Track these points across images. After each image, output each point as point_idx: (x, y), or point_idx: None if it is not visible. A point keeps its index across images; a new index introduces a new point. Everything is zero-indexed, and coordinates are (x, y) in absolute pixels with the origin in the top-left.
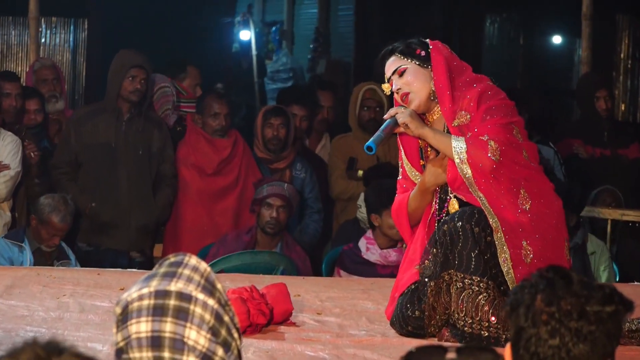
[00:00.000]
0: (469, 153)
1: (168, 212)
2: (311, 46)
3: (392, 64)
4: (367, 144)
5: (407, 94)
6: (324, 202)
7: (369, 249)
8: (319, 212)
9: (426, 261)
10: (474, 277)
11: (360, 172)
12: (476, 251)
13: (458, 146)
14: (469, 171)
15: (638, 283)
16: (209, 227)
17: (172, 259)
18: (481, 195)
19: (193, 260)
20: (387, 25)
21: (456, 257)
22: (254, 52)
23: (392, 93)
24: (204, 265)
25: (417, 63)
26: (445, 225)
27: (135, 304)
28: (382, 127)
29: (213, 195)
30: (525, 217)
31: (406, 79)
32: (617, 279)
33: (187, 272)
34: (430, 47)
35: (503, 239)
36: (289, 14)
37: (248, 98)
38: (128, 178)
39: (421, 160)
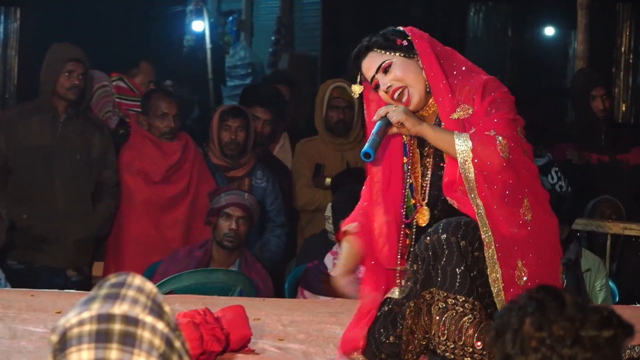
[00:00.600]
0: (474, 151)
1: (109, 225)
2: (272, 38)
3: (373, 60)
4: (363, 150)
5: (400, 90)
6: (287, 214)
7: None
8: (282, 225)
9: (403, 281)
10: (458, 297)
11: (328, 180)
12: (462, 267)
13: (462, 144)
14: (473, 173)
15: None
16: (157, 241)
17: (113, 279)
18: (479, 202)
19: (137, 280)
20: (358, 15)
21: (439, 274)
22: (208, 45)
23: (360, 96)
24: (149, 286)
25: (401, 55)
26: (428, 238)
27: (75, 330)
28: (374, 130)
29: (161, 205)
30: (524, 230)
31: (394, 74)
32: (617, 300)
33: (131, 293)
34: (409, 34)
35: (495, 257)
36: (248, 2)
37: (201, 97)
38: (65, 186)
39: (404, 158)
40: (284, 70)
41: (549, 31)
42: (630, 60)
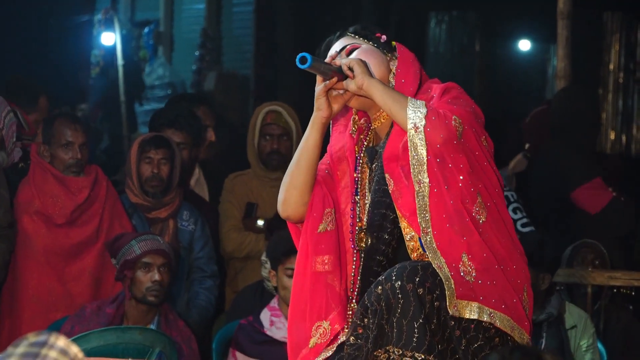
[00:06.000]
0: (428, 119)
1: (2, 275)
2: (196, 54)
3: (342, 43)
4: (300, 54)
5: None
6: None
7: (274, 323)
8: (213, 276)
9: (352, 338)
10: (416, 355)
11: (261, 222)
12: (420, 320)
13: (416, 110)
14: (424, 143)
15: None
16: (61, 295)
17: (32, 338)
18: (425, 180)
19: (61, 341)
20: (299, 27)
21: (394, 328)
22: (119, 61)
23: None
24: (74, 349)
25: (375, 45)
26: (380, 287)
27: None
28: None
29: (65, 253)
30: (475, 227)
31: (358, 56)
32: None
33: (53, 354)
34: (396, 41)
35: (434, 244)
36: (167, 11)
37: (111, 123)
38: None
39: (355, 173)
40: (216, 94)
41: (524, 45)
42: (620, 80)
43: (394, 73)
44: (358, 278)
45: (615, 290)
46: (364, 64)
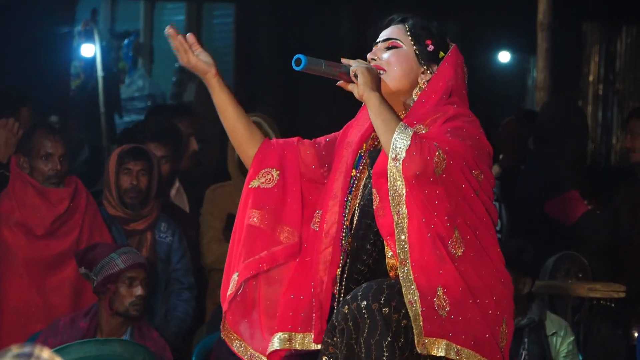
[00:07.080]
0: (409, 153)
1: None
2: (176, 65)
3: (394, 31)
4: (297, 55)
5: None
6: (195, 273)
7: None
8: (190, 288)
9: (324, 357)
10: None
11: None
12: (388, 339)
13: (400, 140)
14: (401, 175)
15: None
16: (40, 307)
17: (15, 350)
18: (404, 211)
19: (45, 354)
20: (278, 38)
21: (363, 347)
22: (99, 73)
23: None
24: None
25: (416, 52)
26: (346, 307)
27: None
28: (330, 61)
29: (45, 264)
30: (451, 260)
31: (390, 57)
32: None
33: None
34: (448, 53)
35: (412, 277)
36: (147, 22)
37: (91, 134)
38: None
39: (354, 170)
40: (196, 106)
41: (504, 57)
42: (600, 91)
43: (420, 88)
44: (343, 280)
45: (595, 302)
46: (373, 74)
